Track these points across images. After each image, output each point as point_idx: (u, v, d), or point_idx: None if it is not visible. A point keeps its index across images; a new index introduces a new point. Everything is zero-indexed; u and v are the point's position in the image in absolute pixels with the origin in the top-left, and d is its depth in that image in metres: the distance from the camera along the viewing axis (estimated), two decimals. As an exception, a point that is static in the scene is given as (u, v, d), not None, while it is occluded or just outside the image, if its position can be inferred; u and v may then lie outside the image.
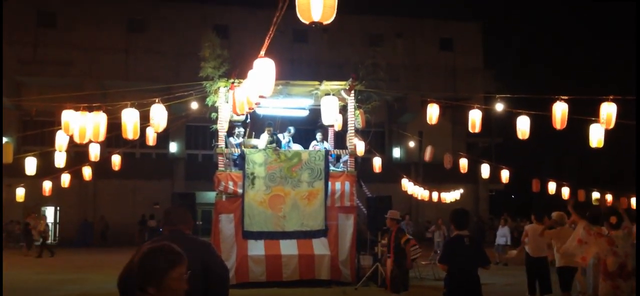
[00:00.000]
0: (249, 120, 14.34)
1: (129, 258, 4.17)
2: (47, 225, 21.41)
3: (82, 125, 10.19)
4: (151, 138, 14.82)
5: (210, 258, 4.11)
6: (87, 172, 18.60)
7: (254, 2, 29.62)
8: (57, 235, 29.51)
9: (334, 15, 4.85)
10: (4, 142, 17.45)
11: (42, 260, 19.86)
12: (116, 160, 18.13)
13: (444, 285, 6.25)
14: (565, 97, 9.93)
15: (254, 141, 14.09)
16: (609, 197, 22.96)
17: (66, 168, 17.21)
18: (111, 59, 29.15)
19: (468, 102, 18.19)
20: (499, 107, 12.24)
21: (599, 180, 26.96)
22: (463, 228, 6.07)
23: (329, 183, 13.23)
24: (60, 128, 12.00)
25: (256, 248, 12.58)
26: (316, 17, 4.78)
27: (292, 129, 14.67)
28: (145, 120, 11.75)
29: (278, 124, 14.93)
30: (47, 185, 18.68)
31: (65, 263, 18.84)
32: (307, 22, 4.85)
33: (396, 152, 33.47)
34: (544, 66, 38.76)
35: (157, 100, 10.85)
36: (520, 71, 37.73)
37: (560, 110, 9.91)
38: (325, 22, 4.85)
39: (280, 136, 14.37)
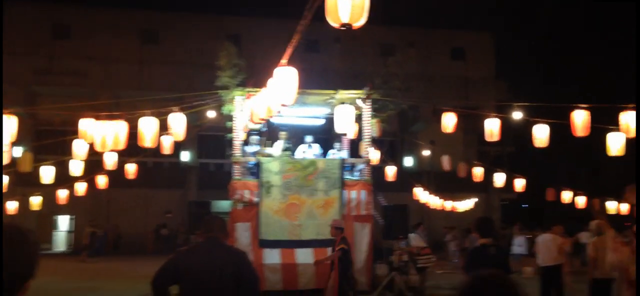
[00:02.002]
0: (264, 128, 14.37)
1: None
2: None
3: (103, 134, 10.26)
4: (167, 147, 14.89)
5: (243, 267, 4.22)
6: (101, 181, 18.70)
7: (265, 12, 29.79)
8: (72, 243, 29.67)
9: (364, 17, 4.81)
10: (23, 151, 17.63)
11: (56, 267, 19.92)
12: (131, 169, 18.20)
13: None
14: (585, 105, 9.91)
15: (269, 149, 14.12)
16: (624, 206, 22.77)
17: (81, 177, 17.31)
18: (126, 69, 29.40)
19: (480, 110, 18.17)
20: (516, 115, 12.21)
21: (614, 189, 26.72)
22: (488, 237, 5.88)
23: (345, 191, 13.22)
24: (77, 137, 12.08)
25: (272, 257, 12.58)
26: (344, 18, 4.76)
27: (310, 139, 14.69)
28: (159, 129, 11.81)
29: (292, 133, 14.96)
30: (62, 194, 18.80)
31: (79, 271, 18.92)
32: (336, 25, 4.84)
33: (408, 161, 33.43)
34: (557, 75, 38.66)
35: (176, 109, 10.91)
36: (532, 81, 37.66)
37: (581, 118, 9.89)
38: (355, 24, 4.82)
39: (304, 148, 14.38)
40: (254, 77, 12.33)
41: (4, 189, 16.86)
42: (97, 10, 29.74)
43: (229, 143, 13.99)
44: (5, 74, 27.87)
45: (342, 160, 13.58)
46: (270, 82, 7.81)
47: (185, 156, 30.89)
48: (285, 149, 14.16)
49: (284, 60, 7.23)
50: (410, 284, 13.12)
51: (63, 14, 29.61)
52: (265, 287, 12.29)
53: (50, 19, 29.37)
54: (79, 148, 13.12)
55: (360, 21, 4.81)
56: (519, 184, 20.69)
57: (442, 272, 14.94)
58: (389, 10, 33.58)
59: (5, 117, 8.90)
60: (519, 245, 18.39)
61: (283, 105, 7.21)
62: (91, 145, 11.27)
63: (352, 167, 14.26)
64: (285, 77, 7.16)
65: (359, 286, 12.84)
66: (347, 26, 4.79)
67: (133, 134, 10.88)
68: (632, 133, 9.84)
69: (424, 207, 25.19)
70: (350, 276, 8.92)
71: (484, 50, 34.07)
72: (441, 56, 33.12)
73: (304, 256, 12.72)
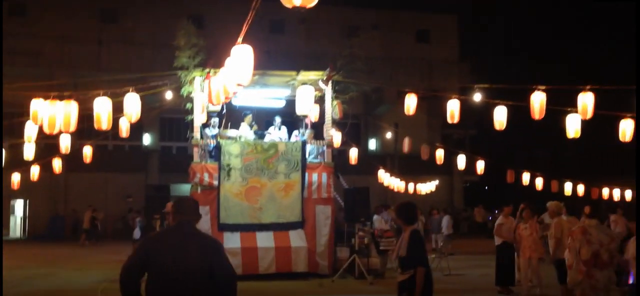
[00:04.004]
0: (224, 110, 14.13)
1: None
2: None
3: (52, 114, 9.89)
4: (124, 130, 14.50)
5: (219, 261, 3.88)
6: (57, 165, 18.17)
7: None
8: (27, 229, 28.87)
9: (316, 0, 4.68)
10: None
11: (11, 254, 19.35)
12: (87, 152, 17.71)
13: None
14: (543, 87, 9.98)
15: (230, 132, 13.89)
16: (580, 188, 23.28)
17: (36, 161, 16.79)
18: (83, 49, 28.57)
19: (444, 93, 18.17)
20: (477, 97, 12.24)
21: (570, 171, 27.32)
22: (413, 224, 5.61)
23: (306, 174, 13.11)
24: (29, 119, 11.65)
25: (232, 241, 12.39)
26: (297, 1, 4.60)
27: (279, 120, 14.52)
28: (118, 111, 11.47)
29: (255, 115, 14.76)
30: (16, 178, 18.21)
31: (35, 257, 18.40)
32: (289, 6, 4.68)
33: (372, 144, 33.49)
34: (519, 59, 39.15)
35: (130, 90, 10.59)
36: (495, 64, 38.06)
37: (538, 100, 9.96)
38: (308, 5, 4.67)
39: (272, 130, 14.23)
40: (218, 57, 12.07)
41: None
42: (53, -13, 28.80)
43: (189, 125, 13.73)
44: (-44, 54, 26.88)
45: (303, 143, 13.45)
46: (227, 61, 7.60)
47: (146, 139, 30.32)
48: (256, 131, 14.01)
49: (240, 39, 7.01)
50: (371, 267, 13.10)
51: (17, -9, 28.62)
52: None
53: (3, -4, 28.34)
54: (31, 131, 12.65)
55: (312, 3, 4.67)
56: (480, 166, 20.90)
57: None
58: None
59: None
60: (445, 226, 18.84)
61: (239, 85, 7.01)
62: (41, 128, 10.86)
63: (314, 150, 14.15)
64: (241, 56, 6.95)
65: (320, 270, 12.80)
66: (300, 8, 4.65)
67: (90, 116, 10.54)
68: (589, 115, 9.96)
69: (387, 190, 25.29)
70: None
71: (448, 33, 34.24)
72: (406, 38, 33.17)
73: (265, 239, 12.61)
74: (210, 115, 14.12)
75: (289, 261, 12.56)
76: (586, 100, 9.79)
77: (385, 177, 23.07)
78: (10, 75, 27.43)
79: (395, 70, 31.36)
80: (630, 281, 5.60)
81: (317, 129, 14.71)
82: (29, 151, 15.33)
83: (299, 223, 12.97)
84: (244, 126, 14.08)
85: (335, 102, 13.82)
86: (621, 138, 11.09)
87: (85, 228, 24.10)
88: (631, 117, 10.83)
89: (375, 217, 14.27)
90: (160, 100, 17.71)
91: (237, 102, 14.24)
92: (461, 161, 20.98)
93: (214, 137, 13.48)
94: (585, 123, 10.64)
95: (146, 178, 28.83)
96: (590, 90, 9.66)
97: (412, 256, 5.32)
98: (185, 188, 21.22)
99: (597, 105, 9.98)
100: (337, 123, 14.90)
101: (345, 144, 17.99)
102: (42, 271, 14.87)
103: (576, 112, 10.17)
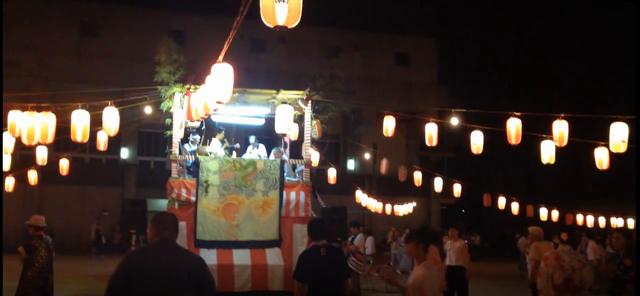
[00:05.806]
0: (204, 127, 14.14)
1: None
2: None
3: (30, 125, 9.82)
4: (102, 143, 14.43)
5: (203, 278, 3.89)
6: (32, 176, 17.97)
7: (210, 9, 29.36)
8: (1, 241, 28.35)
9: (299, 20, 4.79)
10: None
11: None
12: (64, 164, 17.55)
13: None
14: (519, 114, 10.17)
15: (208, 148, 13.89)
16: (555, 213, 23.63)
17: (10, 172, 16.58)
18: (62, 61, 28.37)
19: (422, 116, 18.35)
20: (454, 121, 12.43)
21: (545, 196, 27.70)
22: (319, 239, 5.75)
23: (284, 193, 13.11)
24: (6, 130, 11.55)
25: (208, 258, 12.28)
26: (281, 21, 4.71)
27: (254, 139, 14.61)
28: (96, 125, 11.41)
29: (233, 132, 14.78)
30: (-11, 189, 17.95)
31: (7, 270, 18.04)
32: (271, 26, 4.79)
33: (351, 164, 33.62)
34: (497, 83, 39.74)
35: (109, 103, 10.56)
36: (473, 87, 38.63)
37: (514, 126, 10.13)
38: (290, 26, 4.78)
39: (250, 149, 14.28)
40: (198, 73, 12.10)
41: None
42: (33, -2, 28.61)
43: (168, 140, 13.69)
44: None
45: (282, 161, 13.47)
46: (208, 79, 7.64)
47: (124, 153, 30.10)
48: (227, 147, 14.00)
49: (220, 57, 7.07)
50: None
51: (-3, 0, 28.34)
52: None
53: (-18, 5, 28.05)
54: (7, 142, 12.53)
55: (295, 23, 4.78)
56: (457, 189, 21.10)
57: (379, 275, 14.99)
58: (335, 13, 33.81)
59: None
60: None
61: (219, 102, 7.05)
62: (19, 139, 10.76)
63: (292, 168, 14.19)
64: (221, 74, 7.00)
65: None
66: (282, 28, 4.75)
67: (67, 129, 10.50)
68: (565, 142, 10.15)
69: (364, 210, 25.38)
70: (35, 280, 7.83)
71: (427, 56, 34.68)
72: (385, 60, 33.52)
73: (241, 257, 12.55)
74: (189, 131, 14.11)
75: (265, 279, 12.50)
76: (561, 128, 9.99)
77: (363, 198, 23.16)
78: (-13, 85, 27.22)
79: (374, 92, 31.66)
80: None
81: (296, 148, 14.76)
82: (4, 162, 15.11)
83: (276, 242, 12.92)
84: (216, 142, 14.11)
85: (314, 122, 13.89)
86: (598, 166, 11.17)
87: (93, 241, 24.70)
88: (604, 145, 11.02)
89: (359, 235, 14.30)
90: (139, 115, 17.68)
91: (216, 119, 14.25)
92: (438, 183, 21.17)
93: (193, 153, 13.46)
94: (560, 150, 10.83)
95: (123, 192, 28.59)
96: (564, 118, 9.87)
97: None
98: (162, 204, 21.04)
99: (572, 133, 10.19)
100: (315, 143, 14.96)
101: (324, 164, 18.08)
102: (13, 284, 14.60)
103: (551, 139, 10.36)
